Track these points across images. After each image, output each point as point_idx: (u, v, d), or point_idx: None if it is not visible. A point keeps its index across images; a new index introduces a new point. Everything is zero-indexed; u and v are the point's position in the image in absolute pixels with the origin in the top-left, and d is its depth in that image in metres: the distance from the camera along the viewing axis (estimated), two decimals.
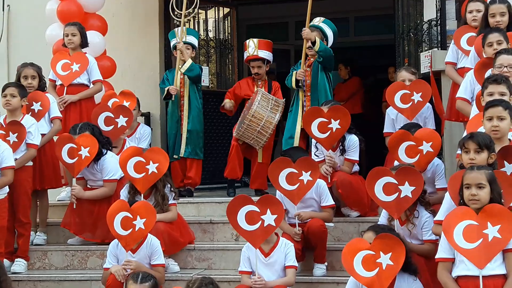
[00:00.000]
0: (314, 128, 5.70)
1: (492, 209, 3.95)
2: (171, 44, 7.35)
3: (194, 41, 7.31)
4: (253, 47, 7.11)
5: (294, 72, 6.60)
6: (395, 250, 4.19)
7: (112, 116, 6.37)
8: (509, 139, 4.53)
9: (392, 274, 4.19)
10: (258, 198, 4.97)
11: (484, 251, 3.87)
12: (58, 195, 6.83)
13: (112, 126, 6.32)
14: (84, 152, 5.79)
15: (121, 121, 6.36)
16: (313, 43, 6.36)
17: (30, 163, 5.85)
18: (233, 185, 7.14)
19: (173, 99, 7.05)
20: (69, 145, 5.83)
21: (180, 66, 7.04)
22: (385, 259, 4.18)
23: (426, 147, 5.15)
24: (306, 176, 5.15)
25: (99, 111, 6.42)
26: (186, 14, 7.08)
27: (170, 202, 5.58)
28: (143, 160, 5.49)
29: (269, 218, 4.76)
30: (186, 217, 5.99)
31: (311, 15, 6.56)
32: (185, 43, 7.10)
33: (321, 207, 5.36)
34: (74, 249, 5.93)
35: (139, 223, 4.97)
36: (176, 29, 7.20)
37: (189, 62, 7.01)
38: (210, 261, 5.71)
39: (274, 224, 4.77)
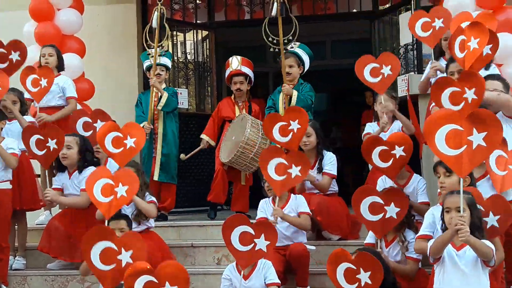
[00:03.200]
0: (276, 134, 5.54)
1: (478, 114, 3.84)
2: (144, 66, 7.35)
3: (168, 63, 7.32)
4: (236, 63, 7.16)
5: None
6: (374, 270, 4.22)
7: (90, 121, 6.33)
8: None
9: None
10: (256, 220, 4.97)
11: (467, 159, 3.78)
12: (37, 219, 6.75)
13: (91, 131, 6.26)
14: (52, 144, 5.74)
15: (99, 125, 6.27)
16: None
17: (9, 186, 5.78)
18: (215, 207, 7.12)
19: (147, 137, 7.03)
20: (36, 136, 5.77)
21: (156, 99, 7.01)
22: (364, 277, 4.21)
23: (398, 151, 5.20)
24: (295, 170, 5.17)
25: (78, 115, 6.40)
26: (159, 46, 7.07)
27: (148, 200, 5.59)
28: (121, 135, 5.32)
29: (261, 243, 4.75)
30: (167, 240, 5.95)
31: (289, 41, 6.63)
32: (159, 65, 7.09)
33: (298, 214, 5.39)
34: (54, 274, 5.85)
35: (121, 190, 4.86)
36: (148, 50, 7.18)
37: (165, 96, 7.01)
38: (192, 285, 5.63)
39: (265, 250, 4.76)
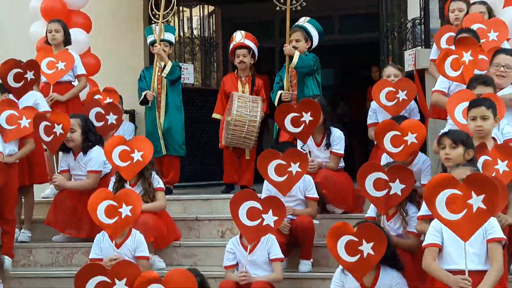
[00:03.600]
0: (287, 124, 5.70)
1: (475, 178, 3.88)
2: (148, 41, 7.32)
3: (172, 38, 7.29)
4: (240, 36, 7.11)
5: (279, 92, 6.58)
6: (377, 241, 4.23)
7: (103, 112, 6.36)
8: (493, 137, 4.59)
9: (371, 264, 4.24)
10: (265, 196, 4.98)
11: (469, 223, 3.81)
12: (43, 192, 6.80)
13: (103, 123, 6.30)
14: (58, 129, 5.79)
15: (111, 118, 6.37)
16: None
17: (16, 160, 5.82)
18: (232, 187, 7.09)
19: (149, 104, 7.04)
20: (44, 123, 5.83)
21: (158, 65, 6.99)
22: (366, 248, 4.22)
23: (411, 138, 5.18)
24: (295, 168, 5.17)
25: (92, 105, 6.41)
26: (165, 15, 7.05)
27: (156, 187, 5.57)
28: (128, 149, 5.47)
29: (269, 218, 4.77)
30: (171, 214, 5.96)
31: (294, 14, 6.57)
32: (162, 40, 7.07)
33: (306, 197, 5.40)
34: (59, 246, 5.90)
35: (125, 210, 4.92)
36: (153, 25, 7.17)
37: (169, 65, 6.98)
38: (195, 258, 5.71)
39: (273, 225, 4.78)
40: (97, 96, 6.73)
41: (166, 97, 7.08)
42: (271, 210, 4.78)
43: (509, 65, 4.93)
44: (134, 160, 5.44)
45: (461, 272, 3.90)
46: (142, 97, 7.01)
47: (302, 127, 5.67)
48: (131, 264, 4.49)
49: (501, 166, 4.45)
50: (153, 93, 6.97)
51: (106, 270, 4.41)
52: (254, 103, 6.80)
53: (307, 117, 5.64)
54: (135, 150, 5.46)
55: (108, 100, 6.70)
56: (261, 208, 4.80)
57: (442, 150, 4.38)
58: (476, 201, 3.82)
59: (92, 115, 6.31)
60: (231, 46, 7.18)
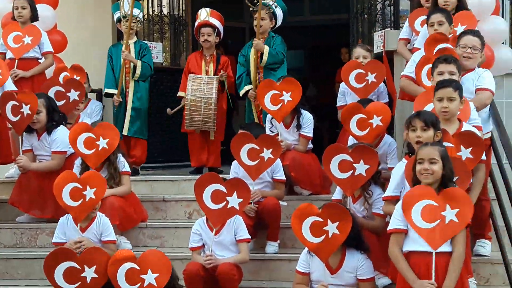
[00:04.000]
0: (267, 101, 5.74)
1: (453, 193, 4.03)
2: (115, 17, 7.22)
3: (139, 14, 7.21)
4: (205, 14, 7.06)
5: (247, 87, 6.61)
6: (342, 220, 4.28)
7: (63, 90, 6.23)
8: (459, 119, 4.62)
9: (336, 243, 4.29)
10: (228, 178, 4.97)
11: (440, 233, 3.94)
12: (7, 172, 6.69)
13: (64, 101, 6.19)
14: (26, 110, 5.70)
15: (73, 95, 6.23)
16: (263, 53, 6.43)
17: None
18: (201, 171, 7.06)
19: (115, 109, 7.03)
20: (12, 102, 5.74)
21: (126, 43, 6.91)
22: (332, 228, 4.27)
23: (376, 120, 5.24)
24: (267, 153, 5.19)
25: (50, 85, 6.27)
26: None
27: (122, 170, 5.52)
28: (93, 136, 5.42)
29: (234, 201, 4.77)
30: (138, 195, 5.92)
31: None
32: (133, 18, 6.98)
33: (273, 179, 5.41)
34: (23, 227, 5.82)
35: (89, 193, 4.88)
36: (119, 1, 7.05)
37: (139, 66, 6.95)
38: (162, 239, 5.69)
39: (238, 208, 4.79)
40: (64, 74, 6.60)
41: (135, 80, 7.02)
42: (235, 192, 4.78)
43: (476, 46, 4.95)
44: (100, 148, 5.39)
45: (428, 253, 3.95)
46: (105, 93, 7.02)
47: (279, 105, 5.67)
48: (100, 251, 4.50)
49: (464, 153, 4.49)
50: (119, 99, 6.93)
51: (75, 255, 4.43)
52: (209, 84, 6.78)
53: (286, 96, 5.65)
54: (100, 138, 5.41)
55: (76, 77, 6.58)
56: (225, 191, 4.79)
57: (413, 132, 4.39)
58: (450, 214, 3.97)
59: (52, 94, 6.16)
60: (196, 23, 7.12)
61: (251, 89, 6.60)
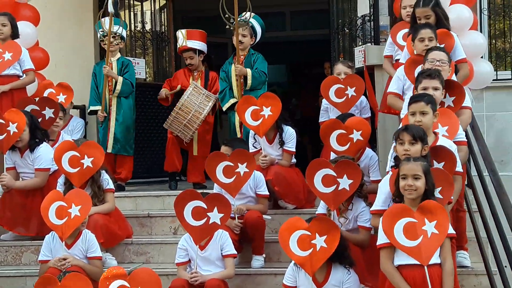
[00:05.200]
0: (247, 116, 5.80)
1: (427, 206, 4.08)
2: (98, 35, 7.23)
3: (123, 32, 7.22)
4: (181, 38, 7.12)
5: (231, 101, 6.62)
6: (330, 234, 4.32)
7: (38, 109, 6.21)
8: (434, 133, 4.68)
9: (324, 257, 4.32)
10: (207, 194, 4.98)
11: (426, 248, 3.99)
12: None
13: (40, 119, 6.15)
14: (12, 128, 5.69)
15: (48, 112, 6.21)
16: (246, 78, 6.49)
17: None
18: (174, 178, 7.12)
19: (100, 125, 7.04)
20: None
21: (109, 61, 6.93)
22: (319, 241, 4.32)
23: (356, 135, 5.30)
24: (242, 168, 5.21)
25: (24, 104, 6.24)
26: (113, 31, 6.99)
27: (106, 188, 5.52)
28: (78, 155, 5.43)
29: (215, 216, 4.79)
30: (123, 211, 5.94)
31: (249, 10, 6.59)
32: (114, 35, 7.01)
33: (256, 195, 5.44)
34: (7, 245, 5.78)
35: (74, 210, 4.90)
36: (102, 19, 7.07)
37: (119, 83, 6.97)
38: (148, 255, 5.68)
39: (219, 223, 4.80)
40: (49, 90, 6.61)
41: (118, 98, 7.04)
42: (216, 207, 4.80)
43: (443, 59, 5.03)
44: (84, 167, 5.41)
45: (420, 266, 3.99)
46: (90, 111, 7.06)
47: (260, 120, 5.73)
48: (81, 277, 4.50)
49: (437, 166, 4.52)
50: (104, 114, 6.94)
51: (57, 283, 4.42)
52: (207, 99, 6.83)
53: (267, 111, 5.72)
54: (85, 156, 5.43)
55: (62, 96, 6.59)
56: (205, 207, 4.81)
57: (400, 145, 4.43)
58: (430, 227, 4.02)
59: None
60: (178, 47, 7.19)
61: (236, 102, 6.61)
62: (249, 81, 6.52)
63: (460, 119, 4.91)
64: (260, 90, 6.59)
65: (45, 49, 7.43)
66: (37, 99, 6.44)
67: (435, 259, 4.02)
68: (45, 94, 6.48)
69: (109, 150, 6.94)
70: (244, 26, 6.56)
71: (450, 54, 5.21)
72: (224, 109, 6.74)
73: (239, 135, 6.56)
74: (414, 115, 4.57)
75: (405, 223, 4.04)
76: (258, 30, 6.74)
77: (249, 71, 6.53)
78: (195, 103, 6.75)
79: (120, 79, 7.00)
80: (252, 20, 6.70)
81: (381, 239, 4.15)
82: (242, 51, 6.67)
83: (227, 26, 6.60)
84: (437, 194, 4.19)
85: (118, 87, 6.98)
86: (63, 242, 4.93)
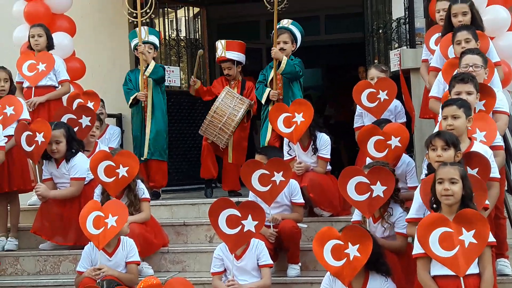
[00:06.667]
0: (280, 124, 5.76)
1: (464, 214, 3.99)
2: (132, 44, 7.27)
3: (156, 41, 7.25)
4: (220, 48, 7.14)
5: (268, 90, 6.56)
6: (363, 243, 4.26)
7: (75, 117, 6.28)
8: (470, 138, 4.59)
9: (358, 266, 4.25)
10: (241, 202, 4.95)
11: (463, 258, 3.90)
12: (29, 199, 6.75)
13: (77, 128, 6.22)
14: (40, 138, 5.76)
15: (85, 121, 6.27)
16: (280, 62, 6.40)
17: None
18: (210, 185, 7.13)
19: (143, 104, 7.00)
20: (26, 132, 5.82)
21: (144, 68, 6.97)
22: (352, 250, 4.26)
23: (394, 141, 5.21)
24: (278, 177, 5.17)
25: (61, 113, 6.32)
26: (143, 14, 7.00)
27: (142, 197, 5.56)
28: (113, 164, 5.47)
29: (249, 224, 4.77)
30: (159, 219, 5.97)
31: (281, 15, 6.57)
32: (146, 42, 7.03)
33: (291, 203, 5.40)
34: (46, 254, 5.86)
35: (111, 220, 4.94)
36: (136, 29, 7.14)
37: (152, 64, 6.95)
38: (184, 264, 5.69)
39: (254, 230, 4.78)
40: (78, 101, 6.67)
41: (152, 101, 7.04)
42: (250, 215, 4.77)
43: (477, 64, 4.94)
44: (120, 176, 5.45)
45: (456, 276, 3.91)
46: (131, 99, 6.98)
47: (293, 127, 5.69)
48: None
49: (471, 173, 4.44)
50: (144, 93, 6.95)
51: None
52: (241, 102, 6.84)
53: (299, 117, 5.67)
54: (120, 166, 5.46)
55: (90, 103, 6.65)
56: (239, 215, 4.78)
57: (433, 151, 4.36)
58: (467, 237, 3.93)
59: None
60: (216, 57, 7.22)
61: (270, 90, 6.56)
62: (282, 65, 6.39)
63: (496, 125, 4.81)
64: (294, 85, 6.52)
65: (81, 59, 7.55)
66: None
67: (472, 269, 3.93)
68: (74, 105, 6.52)
69: (145, 156, 6.94)
70: (283, 33, 6.48)
71: None
72: (263, 101, 6.61)
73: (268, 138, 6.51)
74: (446, 119, 4.49)
75: (441, 233, 3.96)
76: (298, 36, 6.70)
77: (284, 56, 6.45)
78: (229, 105, 6.78)
79: (153, 62, 7.00)
80: (291, 26, 6.67)
81: (417, 248, 4.08)
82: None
83: (267, 9, 6.50)
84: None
85: (150, 67, 6.92)
86: (101, 251, 4.96)
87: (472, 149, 4.47)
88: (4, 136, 5.85)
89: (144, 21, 7.05)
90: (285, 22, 6.68)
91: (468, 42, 5.22)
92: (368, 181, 4.77)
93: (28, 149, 5.82)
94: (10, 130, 6.03)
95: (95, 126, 6.35)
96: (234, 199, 5.08)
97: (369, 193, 4.75)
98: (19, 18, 7.41)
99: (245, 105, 6.86)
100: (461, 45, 5.22)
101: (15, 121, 6.08)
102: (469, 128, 4.55)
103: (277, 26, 6.54)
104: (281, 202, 5.36)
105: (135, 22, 7.06)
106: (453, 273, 3.91)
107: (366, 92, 5.84)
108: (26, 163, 6.20)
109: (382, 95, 5.79)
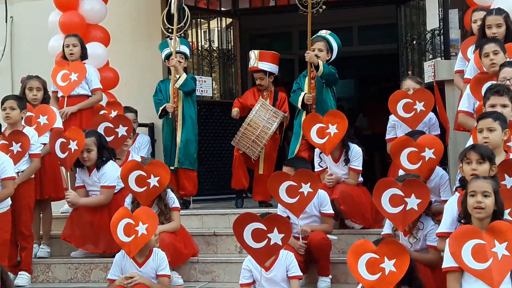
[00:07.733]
0: (313, 134, 5.73)
1: (497, 227, 3.91)
2: (163, 55, 7.31)
3: (187, 50, 7.27)
4: (253, 58, 7.13)
5: (302, 94, 6.51)
6: (400, 257, 4.17)
7: (112, 126, 6.34)
8: (505, 150, 4.50)
9: (393, 281, 4.15)
10: (266, 215, 4.88)
11: (497, 271, 3.81)
12: (62, 207, 6.82)
13: (113, 137, 6.29)
14: (73, 146, 5.83)
15: (121, 130, 6.33)
16: (317, 66, 6.34)
17: (32, 175, 5.83)
18: (241, 195, 7.12)
19: (170, 116, 7.02)
20: (60, 139, 5.90)
21: (175, 78, 6.99)
22: (388, 265, 4.16)
23: (428, 153, 5.12)
24: (306, 188, 5.12)
25: (99, 121, 6.40)
26: (179, 29, 7.04)
27: (172, 206, 5.56)
28: (144, 174, 5.48)
29: (276, 237, 4.69)
30: (189, 229, 5.97)
31: (313, 26, 6.54)
32: (178, 52, 7.05)
33: (321, 214, 5.36)
34: (77, 262, 5.90)
35: (141, 228, 4.91)
36: (167, 39, 7.18)
37: (183, 76, 6.97)
38: (213, 274, 5.68)
39: (281, 243, 4.71)
40: (102, 112, 6.73)
41: (182, 110, 7.06)
42: (275, 228, 4.69)
43: None
44: (151, 186, 5.45)
45: None
46: (160, 110, 7.00)
47: (326, 138, 5.66)
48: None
49: (509, 181, 4.36)
50: (172, 105, 6.97)
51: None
52: (275, 116, 6.82)
53: (332, 129, 5.64)
54: (151, 175, 5.47)
55: (113, 112, 6.71)
56: (265, 228, 4.70)
57: (467, 165, 4.28)
58: (500, 249, 3.85)
59: (101, 130, 6.28)
60: (249, 67, 7.21)
61: (305, 94, 6.50)
62: (320, 67, 6.29)
63: None
64: (326, 92, 6.48)
65: (115, 69, 7.63)
66: None
67: (505, 284, 3.83)
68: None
69: (175, 165, 6.93)
70: (319, 41, 6.46)
71: None
72: (298, 104, 6.53)
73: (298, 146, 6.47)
74: (481, 132, 4.41)
75: (474, 245, 3.87)
76: (334, 46, 6.66)
77: (320, 61, 6.38)
78: (263, 118, 6.76)
79: (184, 74, 7.02)
80: (328, 36, 6.64)
81: (447, 262, 3.98)
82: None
83: (300, 11, 6.48)
84: (506, 216, 3.99)
85: (181, 79, 6.93)
86: (131, 260, 4.95)
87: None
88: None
89: (179, 35, 7.09)
90: (323, 32, 6.65)
91: (496, 54, 5.13)
92: (402, 194, 4.69)
93: (61, 155, 5.89)
94: (44, 139, 6.12)
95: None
96: (263, 210, 5.03)
97: (403, 205, 4.67)
98: (54, 28, 7.52)
99: (279, 118, 6.85)
100: (489, 57, 5.14)
101: (49, 130, 6.17)
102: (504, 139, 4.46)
103: (315, 35, 6.50)
104: (310, 212, 5.31)
105: (170, 37, 7.09)
106: (486, 287, 3.81)
107: (402, 102, 5.76)
108: (58, 171, 6.27)
109: (419, 106, 5.70)
